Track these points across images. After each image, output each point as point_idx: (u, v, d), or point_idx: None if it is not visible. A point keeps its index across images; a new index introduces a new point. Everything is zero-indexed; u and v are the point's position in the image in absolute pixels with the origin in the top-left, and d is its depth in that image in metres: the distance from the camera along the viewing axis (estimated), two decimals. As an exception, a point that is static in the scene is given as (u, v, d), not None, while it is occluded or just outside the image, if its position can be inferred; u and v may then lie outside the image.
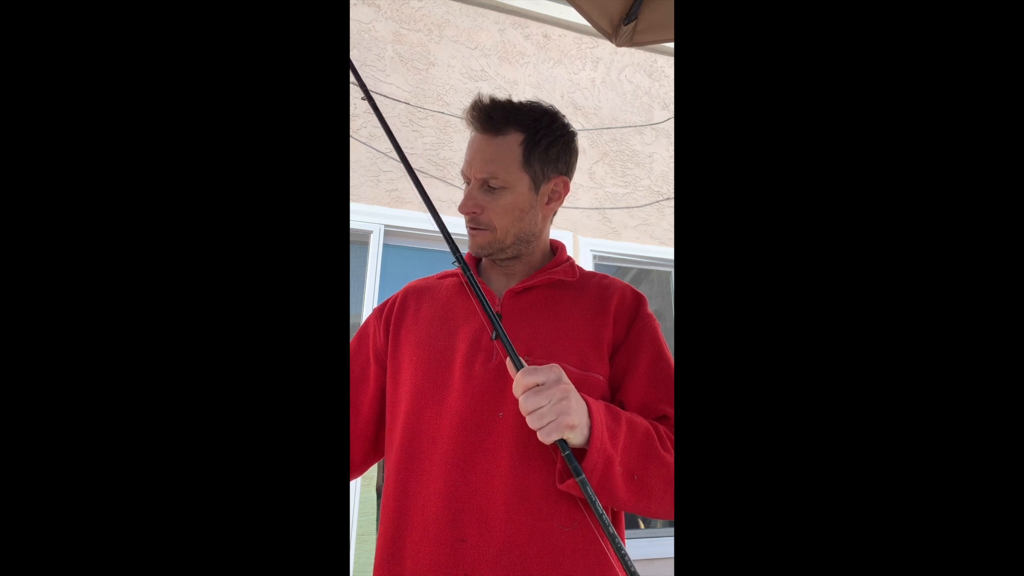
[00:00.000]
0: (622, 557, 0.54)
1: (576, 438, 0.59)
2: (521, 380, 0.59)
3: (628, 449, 0.62)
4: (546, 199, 0.78)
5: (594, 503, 0.56)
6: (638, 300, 0.78)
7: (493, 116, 0.73)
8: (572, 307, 0.76)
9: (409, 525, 0.65)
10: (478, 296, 0.64)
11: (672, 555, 2.40)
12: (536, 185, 0.76)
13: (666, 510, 0.66)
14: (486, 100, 0.75)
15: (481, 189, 0.74)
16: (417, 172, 2.41)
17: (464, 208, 0.74)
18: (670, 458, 0.65)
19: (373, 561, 0.69)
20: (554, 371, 0.59)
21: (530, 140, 0.74)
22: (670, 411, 0.71)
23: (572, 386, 0.60)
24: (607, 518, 0.56)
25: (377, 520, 0.79)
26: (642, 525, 2.66)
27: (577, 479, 0.58)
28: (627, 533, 0.76)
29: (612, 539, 0.55)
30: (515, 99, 0.77)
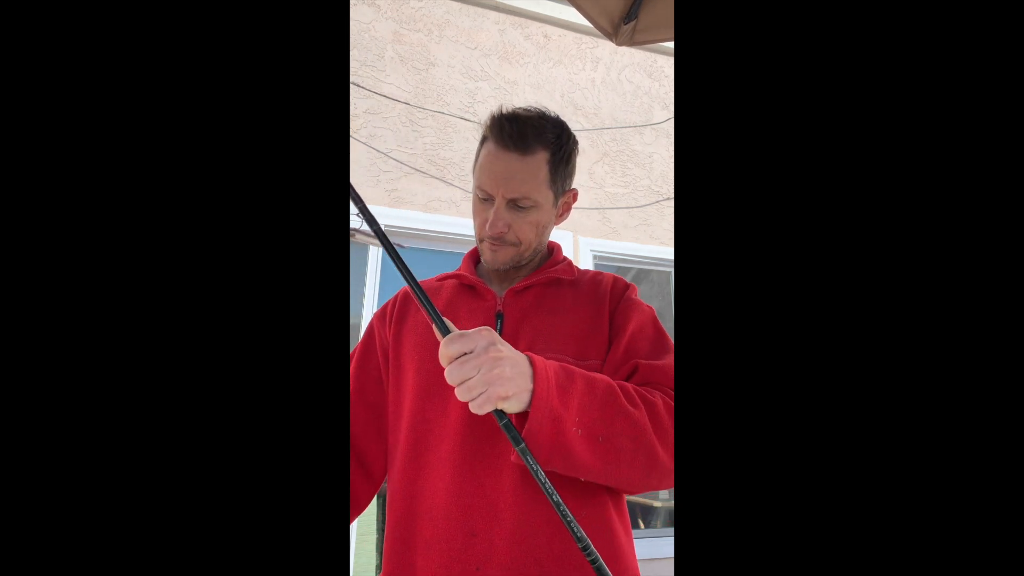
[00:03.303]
0: (569, 524, 0.52)
1: (515, 405, 0.55)
2: (445, 349, 0.53)
3: (586, 408, 0.58)
4: (560, 211, 0.82)
5: (536, 472, 0.52)
6: (626, 286, 0.80)
7: (526, 136, 0.72)
8: (571, 303, 0.77)
9: (419, 523, 0.66)
10: (411, 285, 0.57)
11: (672, 555, 2.40)
12: (556, 200, 0.79)
13: (640, 478, 0.61)
14: (513, 117, 0.73)
15: (508, 208, 0.74)
16: (417, 172, 2.42)
17: (495, 229, 0.74)
18: (639, 413, 0.60)
19: (374, 561, 0.69)
20: (484, 336, 0.55)
21: (554, 158, 0.75)
22: (642, 362, 0.69)
23: (507, 350, 0.55)
24: (550, 485, 0.53)
25: (378, 520, 0.78)
26: (642, 525, 2.66)
27: (516, 448, 0.53)
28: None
29: (557, 507, 0.52)
30: (529, 109, 0.76)
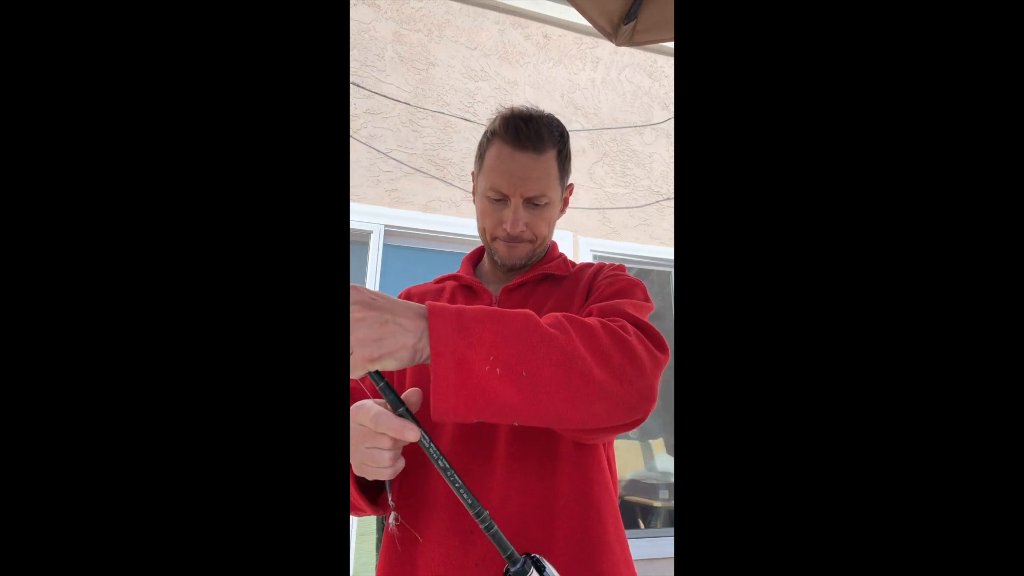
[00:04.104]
0: (458, 491, 0.51)
1: (392, 364, 0.50)
2: None
3: (500, 342, 0.52)
4: (562, 205, 0.84)
5: (421, 437, 0.51)
6: (608, 265, 0.81)
7: (541, 135, 0.74)
8: (560, 296, 0.78)
9: (418, 522, 0.66)
10: None
11: (672, 555, 2.40)
12: (561, 195, 0.81)
13: (582, 410, 0.54)
14: (528, 118, 0.75)
15: (525, 206, 0.76)
16: (417, 172, 2.42)
17: (516, 228, 0.75)
18: (566, 338, 0.54)
19: (374, 561, 0.70)
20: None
21: (560, 154, 0.78)
22: (595, 305, 0.67)
23: (377, 308, 0.50)
24: (435, 449, 0.51)
25: (378, 519, 0.79)
26: (642, 525, 2.66)
27: (396, 412, 0.51)
28: (627, 533, 0.74)
29: (445, 471, 0.51)
30: (533, 108, 0.78)
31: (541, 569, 0.50)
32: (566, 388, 0.53)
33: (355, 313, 0.49)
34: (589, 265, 0.84)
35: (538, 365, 0.52)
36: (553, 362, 0.53)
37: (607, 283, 0.75)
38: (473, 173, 0.83)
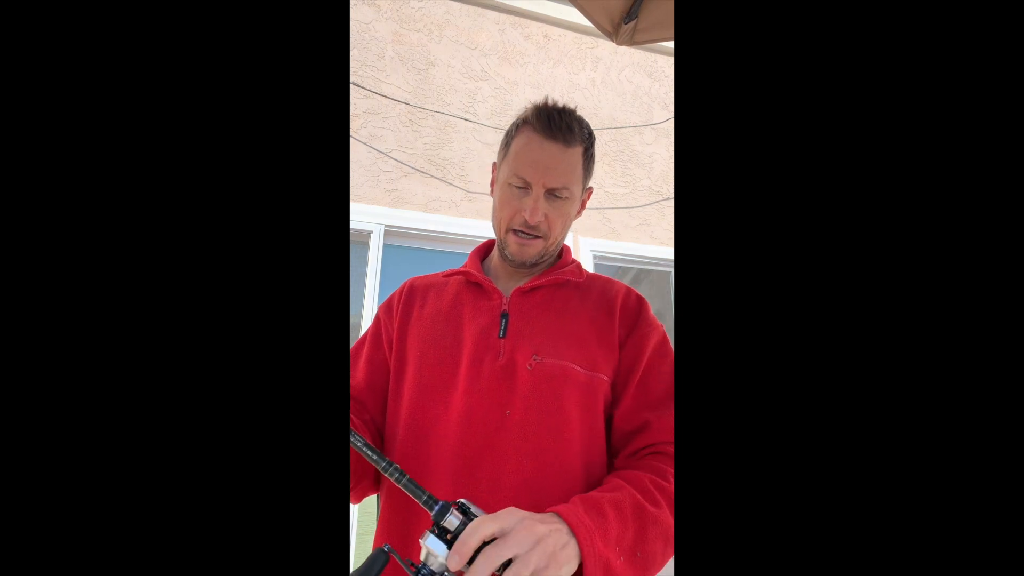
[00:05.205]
0: (361, 449, 0.54)
1: (567, 572, 0.52)
2: (478, 530, 0.48)
3: (622, 534, 0.58)
4: (580, 207, 0.82)
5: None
6: (640, 302, 0.79)
7: (572, 128, 0.73)
8: (579, 307, 0.76)
9: (419, 523, 0.65)
10: None
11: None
12: (581, 195, 0.80)
13: (666, 562, 0.62)
14: (562, 109, 0.75)
15: (547, 197, 0.74)
16: (417, 172, 2.42)
17: (535, 217, 0.74)
18: (663, 514, 0.61)
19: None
20: (514, 515, 0.51)
21: (586, 152, 0.77)
22: (651, 416, 0.69)
23: (538, 522, 0.52)
24: (357, 435, 0.55)
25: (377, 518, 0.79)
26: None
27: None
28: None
29: (364, 447, 0.55)
30: (567, 106, 0.77)
31: (465, 511, 0.50)
32: (666, 554, 0.61)
33: (545, 535, 0.50)
34: (609, 282, 0.81)
35: (648, 545, 0.59)
36: (659, 539, 0.60)
37: (642, 333, 0.74)
38: (495, 164, 0.81)
